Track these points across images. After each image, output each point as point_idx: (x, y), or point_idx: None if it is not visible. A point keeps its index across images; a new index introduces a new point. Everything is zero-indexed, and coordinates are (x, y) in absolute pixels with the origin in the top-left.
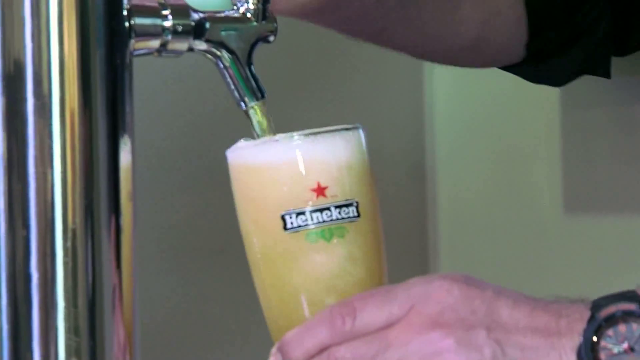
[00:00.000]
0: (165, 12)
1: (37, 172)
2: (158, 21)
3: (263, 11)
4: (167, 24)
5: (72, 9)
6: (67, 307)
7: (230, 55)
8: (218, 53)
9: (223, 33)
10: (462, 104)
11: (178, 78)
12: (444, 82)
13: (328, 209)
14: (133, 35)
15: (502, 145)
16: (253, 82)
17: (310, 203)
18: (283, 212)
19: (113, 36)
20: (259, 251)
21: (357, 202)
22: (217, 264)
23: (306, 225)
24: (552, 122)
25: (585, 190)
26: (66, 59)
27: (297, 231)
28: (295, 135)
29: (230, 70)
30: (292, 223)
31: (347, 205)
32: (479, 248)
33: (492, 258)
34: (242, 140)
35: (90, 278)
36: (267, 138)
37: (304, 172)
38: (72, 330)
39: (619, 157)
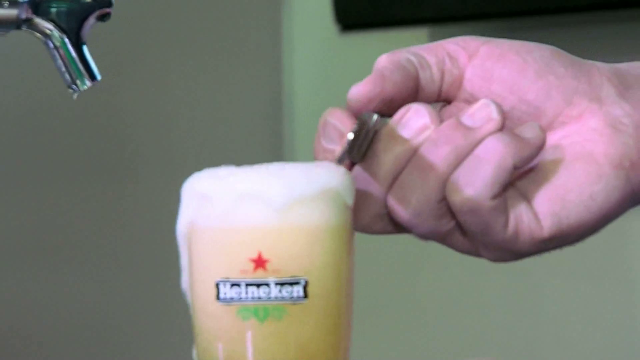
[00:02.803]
0: None
1: None
2: None
3: None
4: None
5: None
6: None
7: (61, 34)
8: (48, 31)
9: (53, 9)
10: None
11: (7, 61)
12: (305, 80)
13: (267, 284)
14: None
15: None
16: (86, 64)
17: (247, 275)
18: (218, 279)
19: None
20: (193, 316)
21: (306, 281)
22: (62, 262)
23: (240, 299)
24: None
25: None
26: None
27: (229, 304)
28: (239, 187)
29: (61, 51)
30: (225, 293)
31: (291, 284)
32: None
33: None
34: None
35: None
36: (204, 186)
37: (243, 238)
38: None
39: None
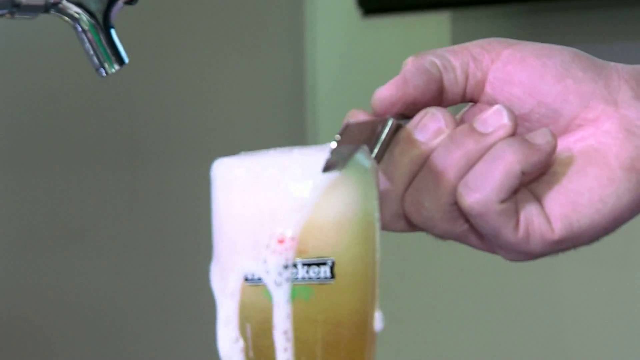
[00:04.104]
0: None
1: None
2: None
3: None
4: None
5: None
6: None
7: (89, 18)
8: (76, 15)
9: None
10: (346, 86)
11: (32, 44)
12: (327, 62)
13: (294, 265)
14: None
15: None
16: (114, 48)
17: (275, 254)
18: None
19: None
20: (218, 297)
21: (333, 261)
22: (76, 248)
23: (267, 279)
24: None
25: None
26: None
27: (257, 285)
28: (267, 171)
29: (89, 34)
30: (252, 274)
31: (318, 264)
32: None
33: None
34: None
35: None
36: (235, 167)
37: (268, 217)
38: None
39: None
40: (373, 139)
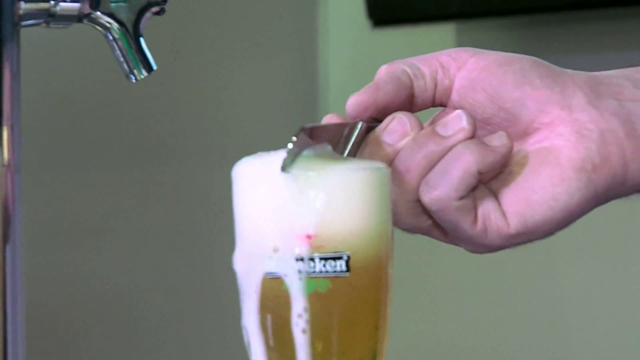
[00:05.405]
0: None
1: None
2: None
3: None
4: None
5: None
6: None
7: (120, 27)
8: (107, 25)
9: (113, 5)
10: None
11: (64, 52)
12: (339, 70)
13: (312, 259)
14: (20, 2)
15: None
16: (143, 55)
17: (294, 250)
18: (266, 254)
19: None
20: (242, 289)
21: (348, 256)
22: (96, 244)
23: (286, 273)
24: None
25: None
26: None
27: (277, 278)
28: (290, 169)
29: (120, 43)
30: (272, 268)
31: (334, 259)
32: None
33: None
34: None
35: None
36: (260, 165)
37: (287, 214)
38: None
39: None
40: (342, 141)
